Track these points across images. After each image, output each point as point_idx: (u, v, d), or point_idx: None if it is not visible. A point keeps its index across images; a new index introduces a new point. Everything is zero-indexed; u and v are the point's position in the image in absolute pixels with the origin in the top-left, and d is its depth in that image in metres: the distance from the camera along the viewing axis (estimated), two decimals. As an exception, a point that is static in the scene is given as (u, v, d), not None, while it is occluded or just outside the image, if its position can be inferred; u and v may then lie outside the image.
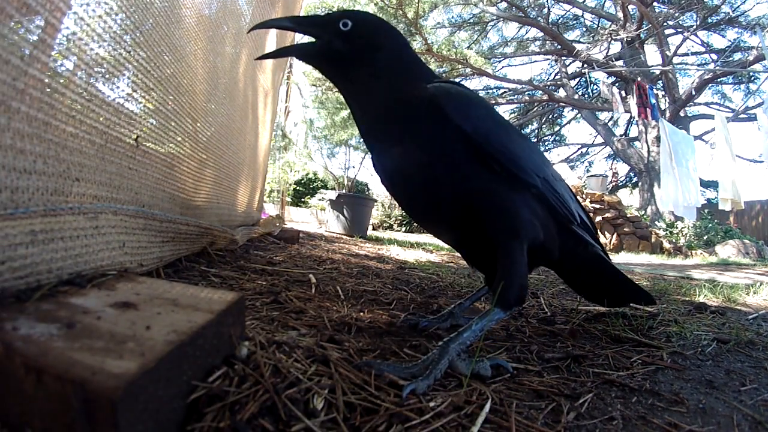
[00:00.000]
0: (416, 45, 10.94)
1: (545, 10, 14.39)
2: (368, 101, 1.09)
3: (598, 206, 9.05)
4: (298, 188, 15.49)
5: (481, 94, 15.85)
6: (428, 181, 1.07)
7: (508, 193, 1.08)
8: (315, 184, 15.71)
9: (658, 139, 9.03)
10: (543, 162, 1.23)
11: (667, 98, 12.86)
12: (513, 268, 1.05)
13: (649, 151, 12.35)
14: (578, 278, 1.49)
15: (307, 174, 15.35)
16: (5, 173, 0.74)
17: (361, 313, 1.33)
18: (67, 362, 0.52)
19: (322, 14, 1.12)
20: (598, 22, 15.24)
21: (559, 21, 15.53)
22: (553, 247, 1.23)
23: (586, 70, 12.96)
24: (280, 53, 1.42)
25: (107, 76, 1.11)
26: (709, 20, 12.36)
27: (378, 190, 15.07)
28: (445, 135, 1.04)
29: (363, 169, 10.96)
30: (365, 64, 1.07)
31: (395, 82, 1.07)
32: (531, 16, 13.79)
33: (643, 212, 10.97)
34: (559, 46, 14.31)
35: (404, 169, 1.09)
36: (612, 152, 15.64)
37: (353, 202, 6.35)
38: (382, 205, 13.89)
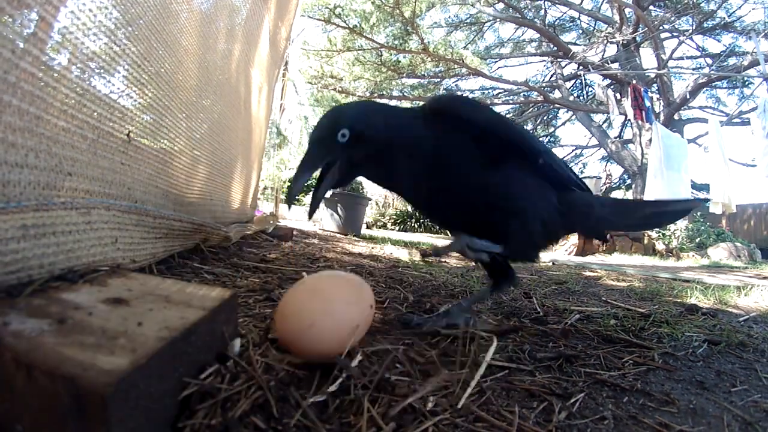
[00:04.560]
0: (413, 44, 10.94)
1: (542, 12, 14.42)
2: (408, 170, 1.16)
3: (591, 207, 9.05)
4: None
5: (477, 94, 15.92)
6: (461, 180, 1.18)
7: (521, 171, 1.21)
8: (310, 182, 15.66)
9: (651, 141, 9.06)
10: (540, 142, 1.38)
11: (661, 101, 12.91)
12: (528, 227, 1.20)
13: (643, 154, 12.39)
14: None
15: (302, 172, 15.26)
16: (-4, 167, 0.74)
17: (355, 312, 1.33)
18: (58, 358, 0.52)
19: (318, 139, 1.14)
20: (595, 24, 15.27)
21: (556, 23, 15.54)
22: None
23: (582, 72, 13.01)
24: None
25: (100, 71, 1.10)
26: (705, 25, 12.42)
27: (372, 189, 15.02)
28: (462, 137, 1.15)
29: (358, 167, 10.89)
30: (379, 154, 1.13)
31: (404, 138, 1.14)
32: (528, 17, 13.82)
33: (636, 214, 11.00)
34: (555, 48, 14.34)
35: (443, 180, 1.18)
36: (606, 154, 15.64)
37: (347, 200, 6.32)
38: (377, 203, 13.84)
